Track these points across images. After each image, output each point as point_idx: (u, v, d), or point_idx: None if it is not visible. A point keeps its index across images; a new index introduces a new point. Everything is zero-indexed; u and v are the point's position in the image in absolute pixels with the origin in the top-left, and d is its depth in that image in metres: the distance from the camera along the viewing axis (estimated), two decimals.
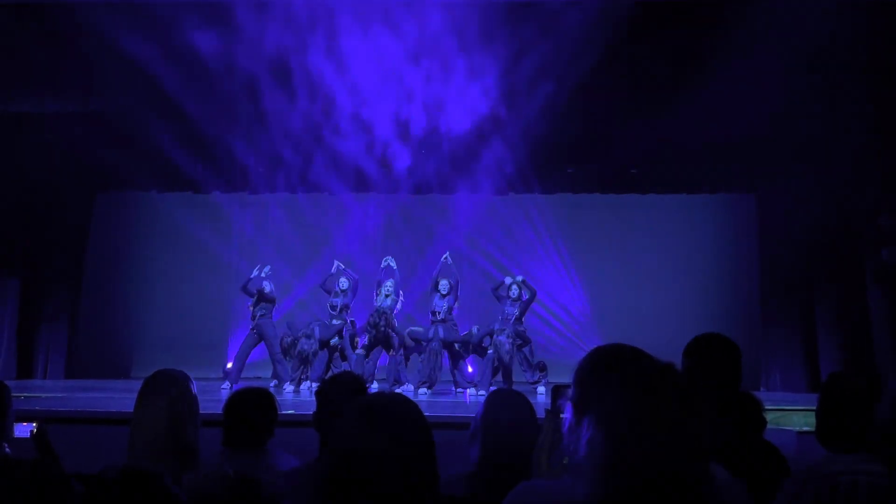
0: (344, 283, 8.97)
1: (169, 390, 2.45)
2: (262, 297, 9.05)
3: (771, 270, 9.90)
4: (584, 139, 9.23)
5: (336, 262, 9.31)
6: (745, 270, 10.57)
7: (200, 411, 2.53)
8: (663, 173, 10.25)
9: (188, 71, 7.65)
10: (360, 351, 8.62)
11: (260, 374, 10.00)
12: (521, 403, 2.31)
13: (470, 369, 9.01)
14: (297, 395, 8.42)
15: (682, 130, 8.58)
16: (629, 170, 10.26)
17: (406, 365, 8.90)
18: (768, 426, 2.46)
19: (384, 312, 8.38)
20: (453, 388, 8.72)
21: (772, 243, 9.90)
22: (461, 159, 9.69)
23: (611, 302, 10.75)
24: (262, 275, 9.18)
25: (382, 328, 8.33)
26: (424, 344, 8.51)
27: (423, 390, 8.32)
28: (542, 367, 9.06)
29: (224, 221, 11.11)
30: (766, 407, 2.46)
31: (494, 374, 8.47)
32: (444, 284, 8.59)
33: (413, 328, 8.82)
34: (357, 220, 10.99)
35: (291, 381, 8.75)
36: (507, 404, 2.29)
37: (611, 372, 1.31)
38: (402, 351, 8.69)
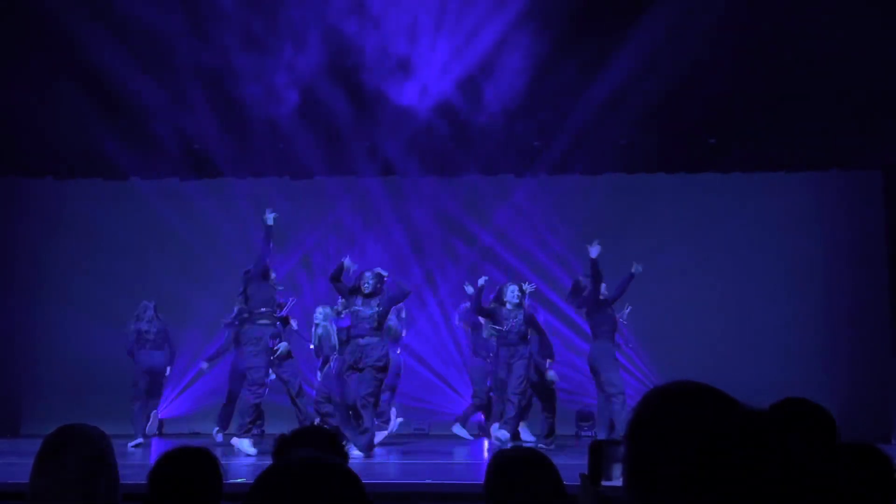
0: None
1: (79, 453, 2.44)
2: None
3: None
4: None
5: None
6: (867, 269, 10.59)
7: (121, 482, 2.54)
8: (753, 144, 10.24)
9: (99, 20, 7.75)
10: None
11: (198, 427, 10.03)
12: (538, 467, 2.32)
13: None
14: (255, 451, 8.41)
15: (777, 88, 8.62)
16: (706, 140, 10.28)
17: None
18: None
19: None
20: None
21: None
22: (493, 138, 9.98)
23: (672, 320, 10.68)
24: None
25: None
26: None
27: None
28: (586, 418, 9.09)
29: (146, 216, 11.11)
30: None
31: (524, 413, 8.52)
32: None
33: None
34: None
35: (240, 428, 8.40)
36: (518, 469, 2.31)
37: (677, 428, 1.30)
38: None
